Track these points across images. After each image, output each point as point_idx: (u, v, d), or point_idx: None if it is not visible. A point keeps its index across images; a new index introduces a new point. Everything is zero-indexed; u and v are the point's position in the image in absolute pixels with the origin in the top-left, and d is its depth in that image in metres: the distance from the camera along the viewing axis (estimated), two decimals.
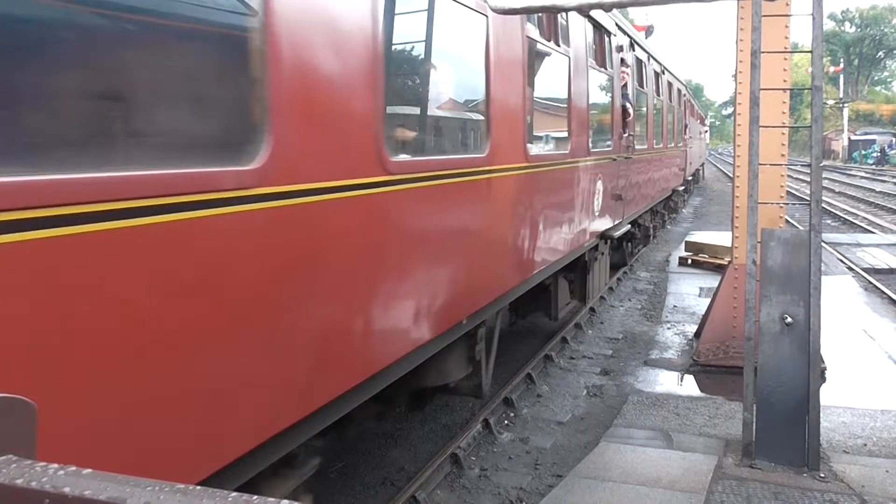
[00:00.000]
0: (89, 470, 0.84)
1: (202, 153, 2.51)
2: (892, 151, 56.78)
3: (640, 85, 12.25)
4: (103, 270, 2.04)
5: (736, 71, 7.09)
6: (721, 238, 13.16)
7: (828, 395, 6.08)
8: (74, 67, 2.12)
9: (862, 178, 41.76)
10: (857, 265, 13.01)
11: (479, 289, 4.97)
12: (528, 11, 5.22)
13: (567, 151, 7.03)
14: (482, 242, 4.97)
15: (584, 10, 6.96)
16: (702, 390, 6.86)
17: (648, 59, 13.37)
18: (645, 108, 13.01)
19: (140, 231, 2.14)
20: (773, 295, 4.99)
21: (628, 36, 10.88)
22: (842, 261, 13.43)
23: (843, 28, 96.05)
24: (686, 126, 21.95)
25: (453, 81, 4.89)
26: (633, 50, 11.35)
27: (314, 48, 2.98)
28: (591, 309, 9.72)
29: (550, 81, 7.00)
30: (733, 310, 7.15)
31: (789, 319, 4.93)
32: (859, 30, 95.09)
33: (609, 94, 9.48)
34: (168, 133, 2.47)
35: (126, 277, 2.11)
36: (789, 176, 11.64)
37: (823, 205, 5.53)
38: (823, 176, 5.89)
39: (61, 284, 1.93)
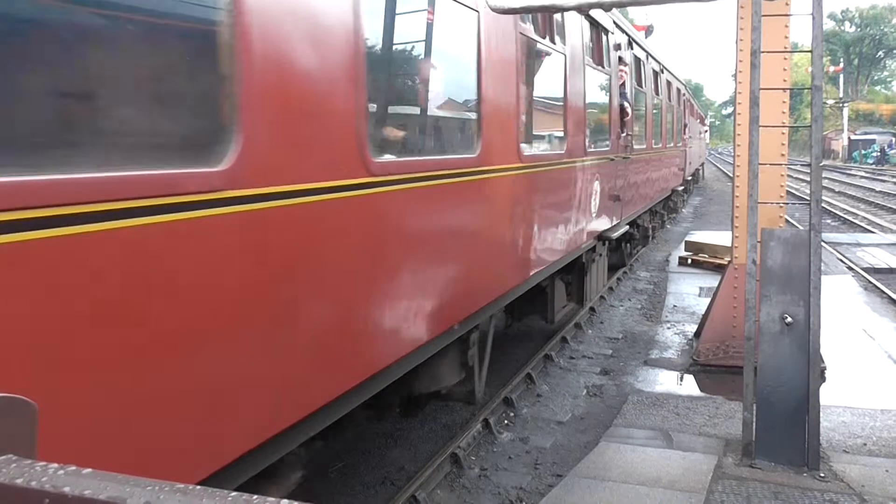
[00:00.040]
0: (89, 470, 0.84)
1: (164, 154, 2.36)
2: (892, 151, 56.77)
3: (639, 84, 12.15)
4: (68, 274, 1.93)
5: (736, 70, 7.09)
6: (721, 238, 13.16)
7: (828, 394, 6.08)
8: (24, 62, 1.95)
9: (862, 177, 41.77)
10: (856, 265, 13.01)
11: (471, 294, 4.82)
12: (527, 11, 5.18)
13: (563, 151, 6.92)
14: (473, 246, 4.83)
15: (583, 10, 6.94)
16: (702, 390, 6.86)
17: (647, 58, 13.28)
18: (643, 108, 12.91)
19: (95, 238, 2.00)
20: (773, 295, 4.99)
21: (626, 34, 10.76)
22: (842, 260, 13.43)
23: (842, 28, 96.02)
24: (685, 125, 21.91)
25: (442, 78, 4.72)
26: (632, 48, 11.26)
27: (289, 42, 2.79)
28: (591, 309, 9.72)
29: (546, 80, 6.88)
30: (733, 309, 7.15)
31: (789, 319, 4.93)
32: (859, 29, 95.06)
33: (607, 93, 9.37)
34: (127, 133, 2.30)
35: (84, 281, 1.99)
36: (789, 175, 11.67)
37: (823, 204, 5.51)
38: (823, 175, 5.88)
39: (52, 284, 1.91)
